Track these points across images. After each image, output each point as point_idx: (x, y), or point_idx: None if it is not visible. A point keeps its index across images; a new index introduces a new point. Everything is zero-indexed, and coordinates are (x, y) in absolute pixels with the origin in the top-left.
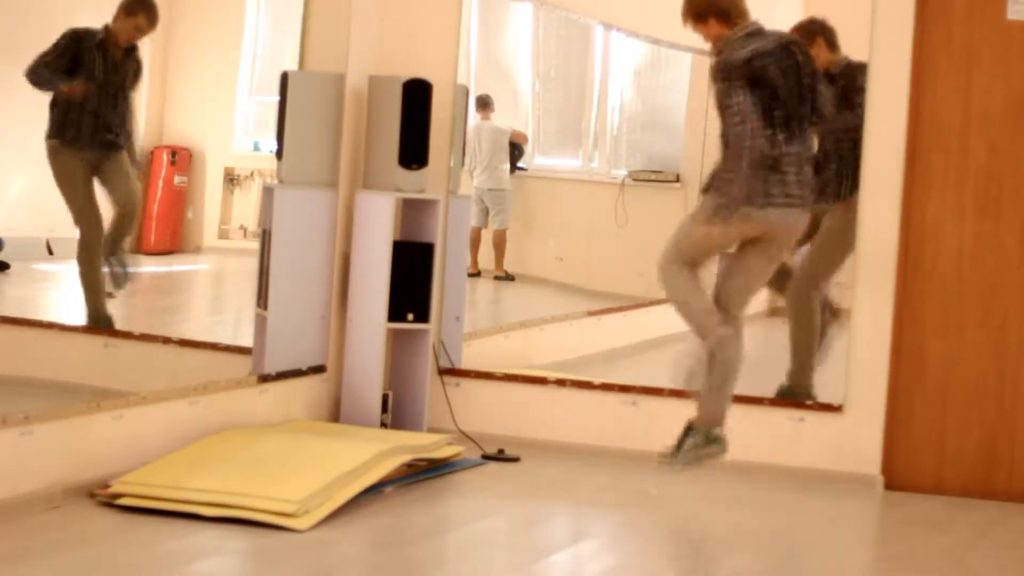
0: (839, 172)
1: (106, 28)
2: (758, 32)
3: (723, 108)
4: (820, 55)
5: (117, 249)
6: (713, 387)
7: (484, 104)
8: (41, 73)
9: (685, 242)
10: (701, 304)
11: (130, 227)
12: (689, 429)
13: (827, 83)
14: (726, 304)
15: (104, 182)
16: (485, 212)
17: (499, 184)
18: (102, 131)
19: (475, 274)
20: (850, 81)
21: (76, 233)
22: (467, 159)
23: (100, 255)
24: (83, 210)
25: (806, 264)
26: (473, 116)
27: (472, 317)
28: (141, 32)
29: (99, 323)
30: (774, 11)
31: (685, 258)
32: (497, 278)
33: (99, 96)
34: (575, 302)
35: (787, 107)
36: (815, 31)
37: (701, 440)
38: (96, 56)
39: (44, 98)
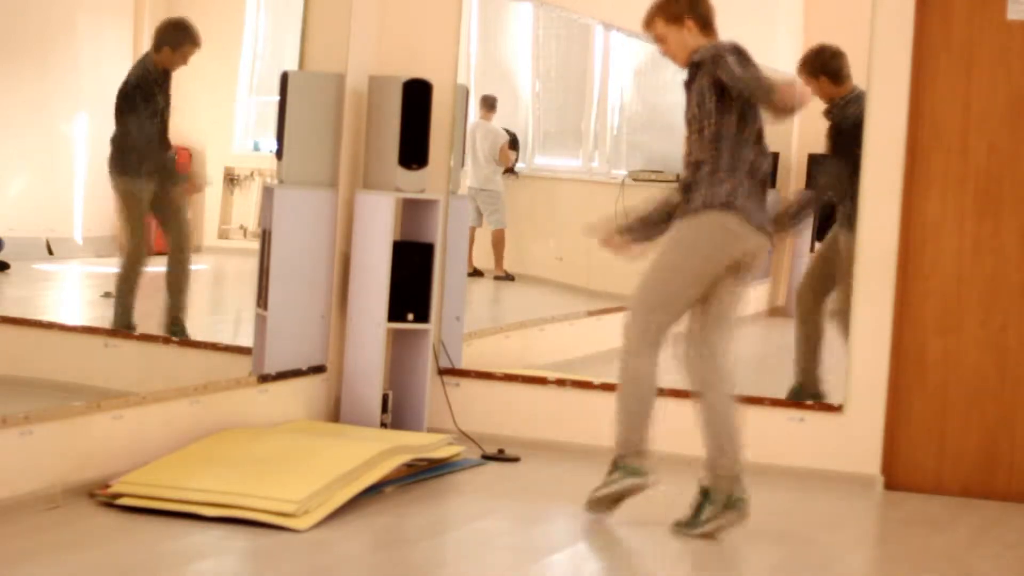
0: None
1: (155, 62)
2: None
3: (719, 105)
4: (823, 90)
5: (178, 311)
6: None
7: (490, 105)
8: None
9: (673, 287)
10: (649, 417)
11: (185, 265)
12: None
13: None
14: (713, 341)
15: (160, 215)
16: (477, 211)
17: (491, 185)
18: (162, 159)
19: (470, 273)
20: (841, 119)
21: (76, 237)
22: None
23: (138, 282)
24: (137, 237)
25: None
26: (474, 114)
27: (471, 317)
28: (188, 56)
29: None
30: (775, 12)
31: (667, 319)
32: (497, 278)
33: (158, 127)
34: (575, 302)
35: (752, 128)
36: (817, 70)
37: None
38: (157, 91)
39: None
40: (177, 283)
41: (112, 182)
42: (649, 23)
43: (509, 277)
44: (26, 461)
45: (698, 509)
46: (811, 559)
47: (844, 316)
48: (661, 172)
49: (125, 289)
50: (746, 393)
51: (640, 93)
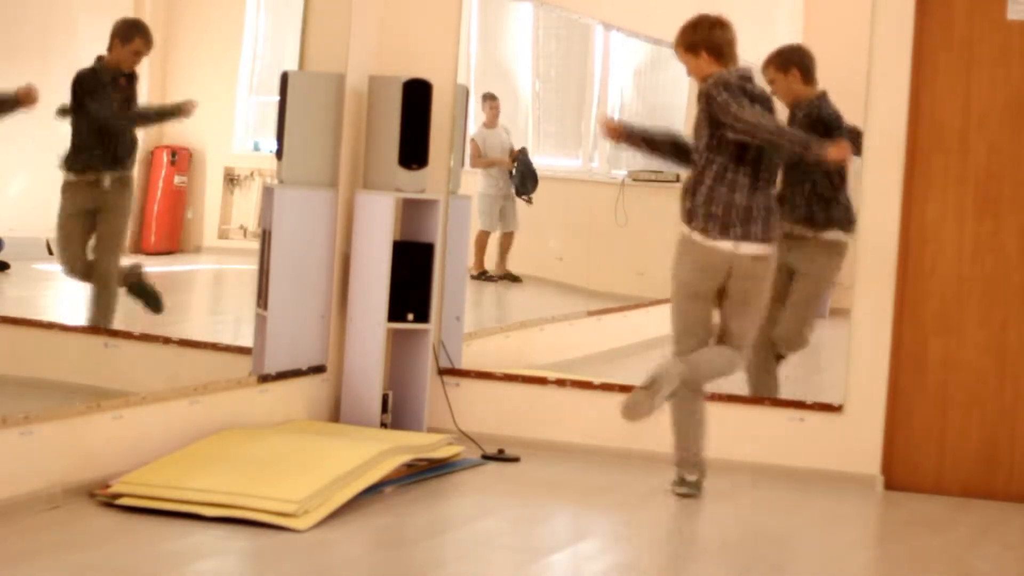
0: (808, 209)
1: (105, 60)
2: (750, 77)
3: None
4: (792, 87)
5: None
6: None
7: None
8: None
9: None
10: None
11: (107, 297)
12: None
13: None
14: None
15: (98, 224)
16: (500, 216)
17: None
18: (116, 163)
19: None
20: (816, 119)
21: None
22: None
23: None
24: (69, 250)
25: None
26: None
27: (477, 317)
28: (140, 56)
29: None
30: (775, 11)
31: (681, 344)
32: (482, 276)
33: (112, 129)
34: (575, 302)
35: (747, 156)
36: (792, 62)
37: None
38: (109, 91)
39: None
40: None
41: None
42: (675, 48)
43: (488, 277)
44: (26, 461)
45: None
46: (811, 559)
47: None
48: (661, 172)
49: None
50: (746, 393)
51: (640, 93)
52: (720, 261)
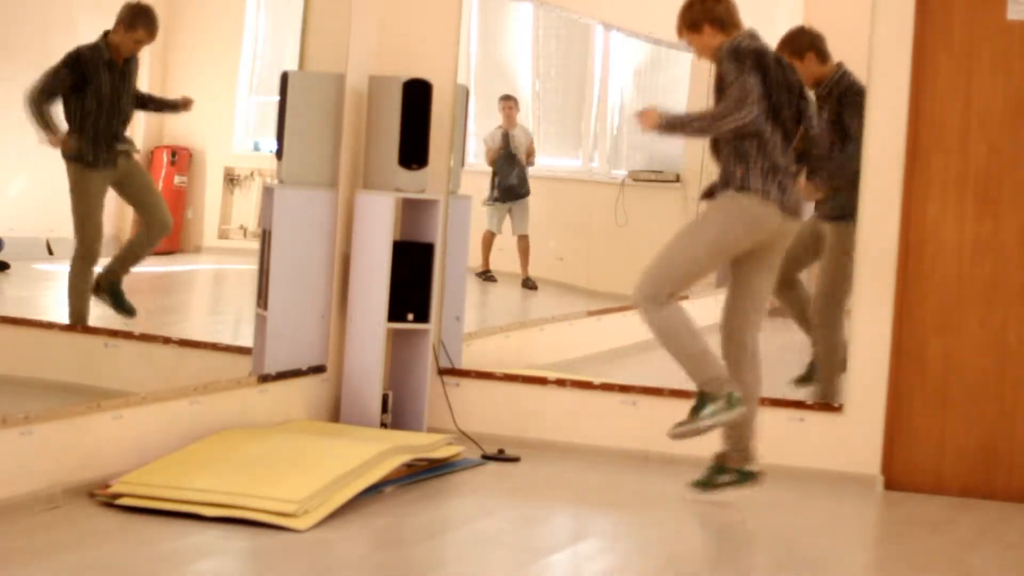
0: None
1: (107, 42)
2: (757, 37)
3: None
4: (810, 68)
5: (118, 282)
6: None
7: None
8: (39, 103)
9: (683, 262)
10: (701, 342)
11: (155, 243)
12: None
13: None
14: (739, 329)
15: (129, 196)
16: (510, 218)
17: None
18: (116, 142)
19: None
20: (845, 90)
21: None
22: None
23: (92, 271)
24: (87, 224)
25: (826, 282)
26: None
27: (479, 317)
28: (141, 44)
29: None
30: (775, 11)
31: (676, 286)
32: (484, 276)
33: (110, 109)
34: (575, 302)
35: (781, 116)
36: (805, 46)
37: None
38: (103, 72)
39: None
40: (133, 249)
41: (67, 168)
42: (678, 32)
43: (489, 277)
44: (26, 461)
45: (715, 472)
46: (811, 559)
47: (822, 306)
48: (661, 172)
49: (80, 289)
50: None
51: (640, 93)
52: (774, 226)
